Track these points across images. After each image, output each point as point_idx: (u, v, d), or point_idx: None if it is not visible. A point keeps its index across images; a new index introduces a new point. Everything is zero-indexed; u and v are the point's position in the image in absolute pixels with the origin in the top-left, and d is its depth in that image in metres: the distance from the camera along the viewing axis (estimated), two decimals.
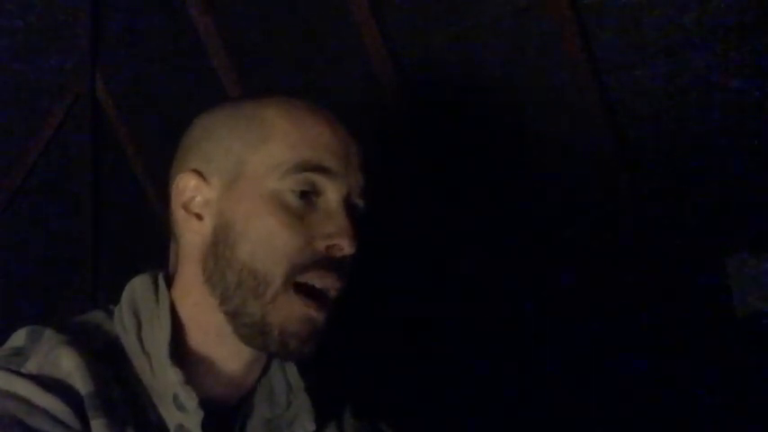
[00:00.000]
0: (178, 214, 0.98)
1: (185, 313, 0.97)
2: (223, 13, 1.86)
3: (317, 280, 0.94)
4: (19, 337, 0.93)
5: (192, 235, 0.97)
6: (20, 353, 0.90)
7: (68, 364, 0.88)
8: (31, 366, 0.89)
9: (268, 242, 0.93)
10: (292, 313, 0.93)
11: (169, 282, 0.99)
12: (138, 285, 0.98)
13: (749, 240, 1.44)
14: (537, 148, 1.58)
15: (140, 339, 0.94)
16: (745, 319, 1.45)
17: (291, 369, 1.01)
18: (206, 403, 0.92)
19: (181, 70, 1.99)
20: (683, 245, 1.51)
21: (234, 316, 0.94)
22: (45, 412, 0.85)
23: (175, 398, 0.91)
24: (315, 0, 1.76)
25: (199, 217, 0.97)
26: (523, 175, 1.61)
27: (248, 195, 0.95)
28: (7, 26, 2.10)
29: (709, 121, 1.44)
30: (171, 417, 0.92)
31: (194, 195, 0.97)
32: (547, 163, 1.58)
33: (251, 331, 0.94)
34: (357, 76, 1.72)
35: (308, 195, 0.95)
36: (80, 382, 0.88)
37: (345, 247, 0.94)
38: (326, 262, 0.94)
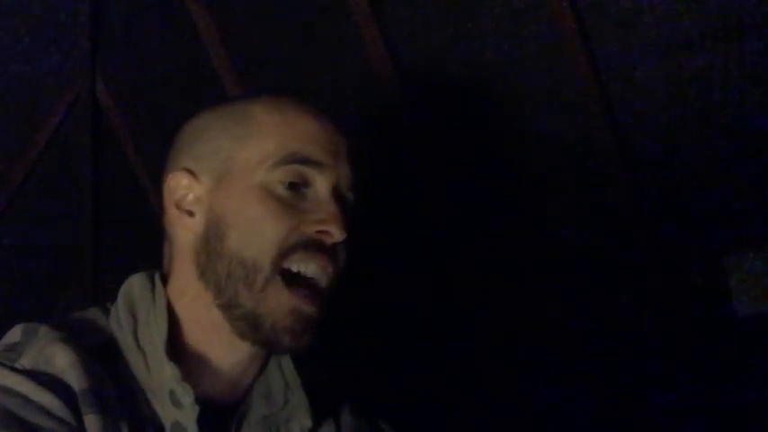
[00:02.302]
0: (171, 212, 1.00)
1: (182, 311, 0.97)
2: (223, 12, 1.86)
3: (305, 264, 0.94)
4: (14, 334, 0.93)
5: (184, 232, 0.98)
6: (14, 349, 0.91)
7: (63, 362, 0.89)
8: (25, 362, 0.89)
9: (256, 229, 0.94)
10: (282, 306, 0.93)
11: (164, 280, 0.99)
12: (135, 284, 0.99)
13: (749, 240, 1.44)
14: (537, 148, 1.58)
15: (136, 337, 0.95)
16: (745, 319, 1.45)
17: (288, 366, 1.01)
18: (203, 401, 0.92)
19: (181, 70, 1.99)
20: (683, 244, 1.51)
21: (227, 308, 0.95)
22: (39, 407, 0.86)
23: (171, 394, 0.92)
24: (315, 0, 1.76)
25: (191, 214, 0.98)
26: (523, 174, 1.60)
27: (238, 189, 0.96)
28: (7, 26, 2.10)
29: (709, 120, 1.44)
30: (167, 414, 0.92)
31: (186, 193, 0.99)
32: (547, 162, 1.58)
33: (244, 324, 0.95)
34: (357, 76, 1.72)
35: (297, 186, 0.96)
36: (74, 378, 0.88)
37: (335, 233, 0.95)
38: (315, 244, 0.95)
